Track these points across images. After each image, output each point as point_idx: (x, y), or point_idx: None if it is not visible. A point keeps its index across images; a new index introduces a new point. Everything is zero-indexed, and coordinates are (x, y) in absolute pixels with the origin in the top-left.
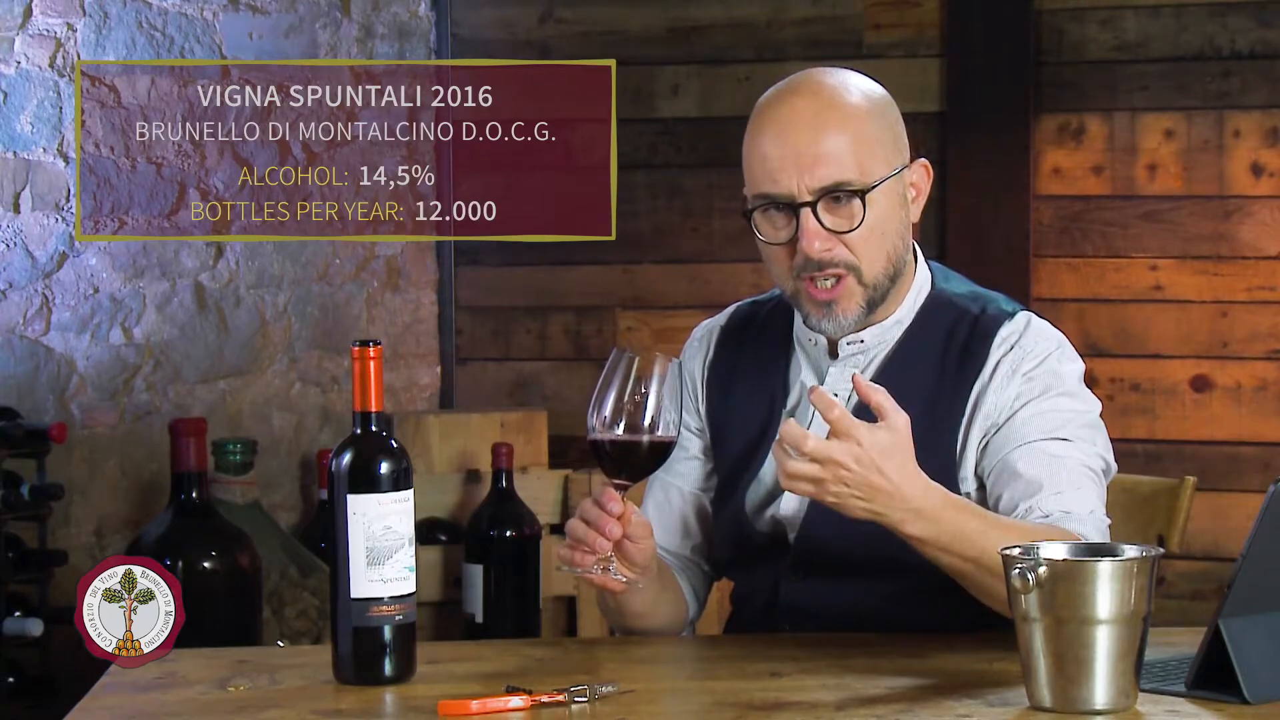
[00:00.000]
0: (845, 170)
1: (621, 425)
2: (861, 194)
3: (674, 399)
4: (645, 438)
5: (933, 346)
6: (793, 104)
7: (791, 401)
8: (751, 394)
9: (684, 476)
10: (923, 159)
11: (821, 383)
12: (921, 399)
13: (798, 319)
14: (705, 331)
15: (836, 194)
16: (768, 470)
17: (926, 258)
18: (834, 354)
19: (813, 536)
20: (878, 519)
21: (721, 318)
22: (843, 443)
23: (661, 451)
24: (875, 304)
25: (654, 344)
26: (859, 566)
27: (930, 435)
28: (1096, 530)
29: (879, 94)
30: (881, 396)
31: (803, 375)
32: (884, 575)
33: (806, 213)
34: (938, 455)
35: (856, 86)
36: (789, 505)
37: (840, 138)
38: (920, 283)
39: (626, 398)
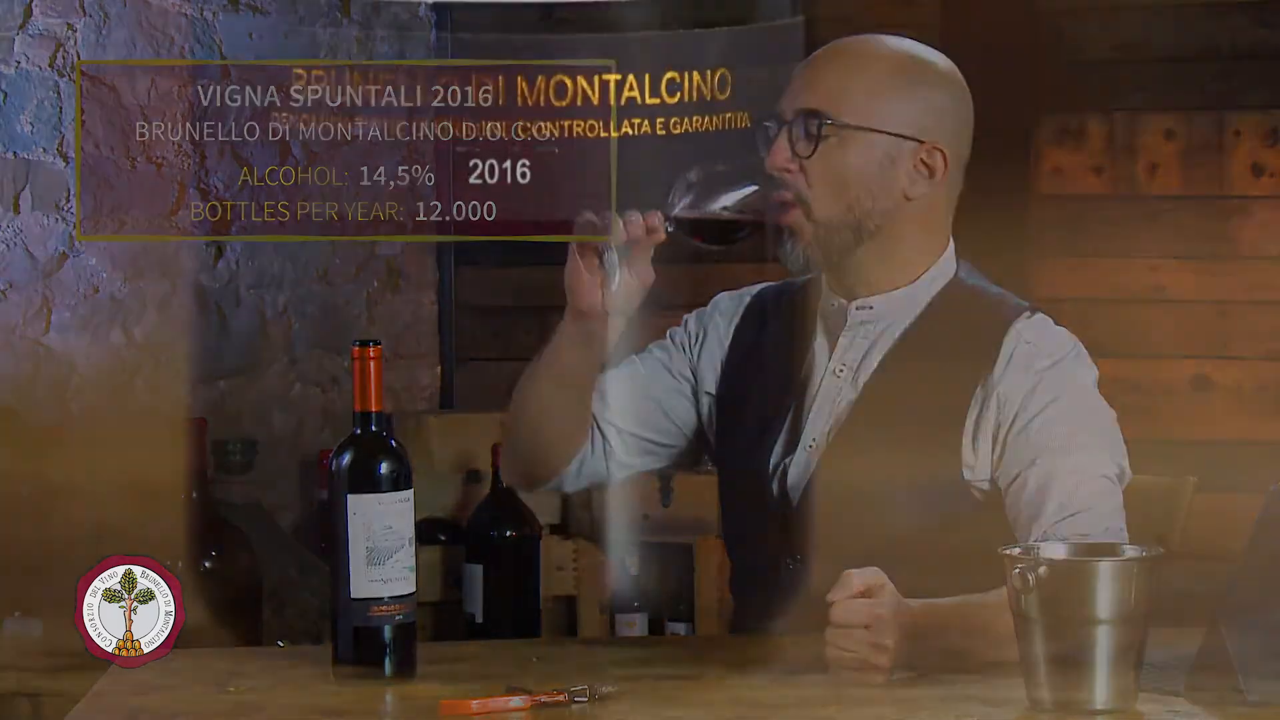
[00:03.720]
0: (824, 102)
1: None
2: (820, 123)
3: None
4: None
5: (948, 330)
6: (826, 50)
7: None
8: (769, 364)
9: (664, 375)
10: (943, 148)
11: (832, 351)
12: (931, 380)
13: (824, 292)
14: (738, 295)
15: (810, 122)
16: (779, 441)
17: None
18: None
19: (811, 503)
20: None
21: (752, 288)
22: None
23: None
24: (831, 252)
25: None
26: (859, 540)
27: (937, 415)
28: None
29: (927, 62)
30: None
31: (816, 344)
32: (882, 550)
33: (781, 130)
34: (947, 441)
35: (902, 48)
36: (794, 474)
37: (837, 75)
38: (945, 268)
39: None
